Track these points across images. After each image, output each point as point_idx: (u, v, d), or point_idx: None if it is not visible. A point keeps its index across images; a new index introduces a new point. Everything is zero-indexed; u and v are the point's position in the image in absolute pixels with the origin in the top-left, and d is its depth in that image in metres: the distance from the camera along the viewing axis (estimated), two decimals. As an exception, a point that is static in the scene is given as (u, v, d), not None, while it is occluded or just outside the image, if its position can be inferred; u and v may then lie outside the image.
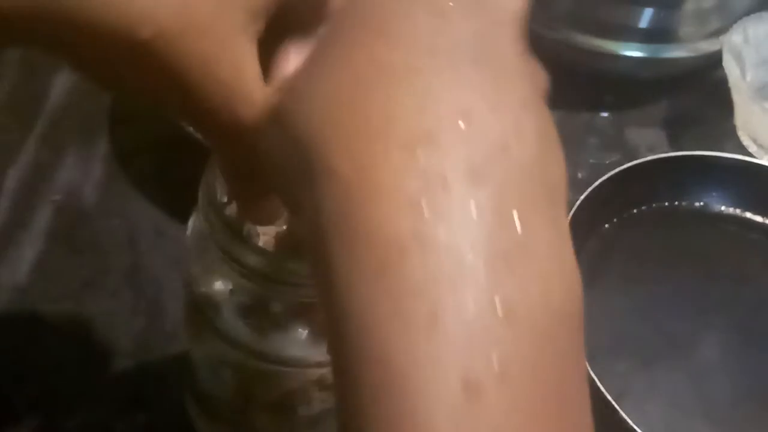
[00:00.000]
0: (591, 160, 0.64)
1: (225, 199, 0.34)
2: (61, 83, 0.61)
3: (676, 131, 0.68)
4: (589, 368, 0.45)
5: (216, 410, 0.40)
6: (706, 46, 0.67)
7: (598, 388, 0.45)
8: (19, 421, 0.44)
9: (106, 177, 0.56)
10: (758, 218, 0.60)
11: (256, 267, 0.31)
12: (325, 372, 0.36)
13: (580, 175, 0.62)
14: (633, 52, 0.66)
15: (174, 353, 0.48)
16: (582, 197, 0.54)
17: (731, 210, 0.60)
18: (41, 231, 0.52)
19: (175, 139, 0.50)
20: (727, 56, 0.63)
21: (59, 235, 0.53)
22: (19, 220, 0.53)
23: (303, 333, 0.35)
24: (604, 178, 0.56)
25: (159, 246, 0.53)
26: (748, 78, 0.66)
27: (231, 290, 0.35)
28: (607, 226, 0.58)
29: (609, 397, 0.45)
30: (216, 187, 0.33)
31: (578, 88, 0.69)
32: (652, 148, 0.66)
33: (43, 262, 0.51)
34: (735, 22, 0.66)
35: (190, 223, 0.37)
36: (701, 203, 0.60)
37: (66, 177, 0.56)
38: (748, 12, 0.66)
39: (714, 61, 0.66)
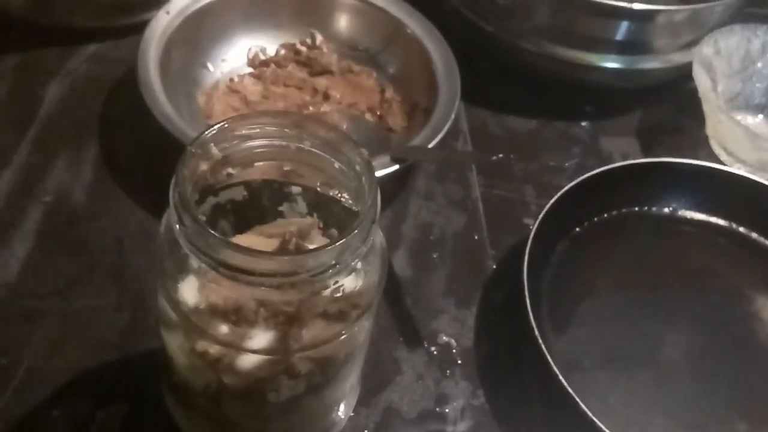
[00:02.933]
0: (566, 166, 0.66)
1: (196, 197, 0.36)
2: (55, 90, 0.64)
3: (650, 140, 0.70)
4: (552, 364, 0.47)
5: (190, 401, 0.42)
6: (679, 58, 0.69)
7: (561, 383, 0.47)
8: (5, 410, 0.46)
9: (95, 179, 0.58)
10: (725, 223, 0.62)
11: (228, 262, 0.33)
12: (294, 361, 0.38)
13: (554, 182, 0.64)
14: (609, 63, 0.68)
15: (155, 348, 0.50)
16: (553, 200, 0.56)
17: (699, 215, 0.62)
18: (31, 230, 0.55)
19: (162, 144, 0.52)
20: (697, 67, 0.66)
21: (49, 234, 0.55)
22: (11, 220, 0.55)
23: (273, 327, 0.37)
24: (576, 182, 0.58)
25: (144, 246, 0.55)
26: (720, 89, 0.68)
27: (201, 286, 0.37)
28: (578, 229, 0.60)
29: (571, 391, 0.46)
30: (186, 184, 0.35)
31: (556, 98, 0.71)
32: (626, 156, 0.68)
33: (32, 260, 0.53)
34: (706, 34, 0.68)
35: (163, 220, 0.39)
36: (670, 208, 0.62)
37: (57, 179, 0.58)
38: (720, 25, 0.69)
39: (687, 72, 0.68)
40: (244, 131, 0.38)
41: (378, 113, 0.66)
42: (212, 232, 0.33)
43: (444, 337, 0.54)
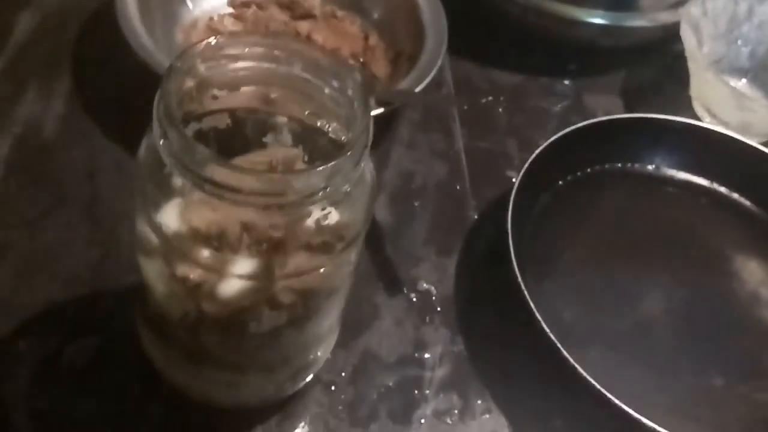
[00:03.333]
0: (549, 122, 0.66)
1: (180, 113, 0.34)
2: (25, 20, 0.61)
3: (633, 100, 0.70)
4: (536, 311, 0.47)
5: (166, 333, 0.41)
6: (666, 17, 0.68)
7: (544, 330, 0.47)
8: (-30, 342, 0.44)
9: (66, 112, 0.56)
10: (706, 182, 0.62)
11: (214, 179, 0.32)
12: (277, 291, 0.37)
13: (537, 136, 0.64)
14: (595, 18, 0.67)
15: (128, 283, 0.48)
16: (535, 153, 0.56)
17: (682, 174, 0.62)
18: (0, 161, 0.53)
19: (137, 78, 0.50)
20: (684, 26, 0.65)
21: (18, 166, 0.53)
22: (-22, 150, 0.53)
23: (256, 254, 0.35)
24: (559, 135, 0.57)
25: (118, 180, 0.53)
26: (705, 50, 0.68)
27: (183, 209, 0.36)
28: (560, 183, 0.59)
29: (553, 338, 0.46)
30: (172, 97, 0.33)
31: (540, 54, 0.71)
32: (609, 113, 0.67)
33: (1, 191, 0.51)
34: (695, -6, 0.67)
35: (143, 142, 0.38)
36: (653, 166, 0.62)
37: (27, 111, 0.56)
38: (708, -15, 0.68)
39: (673, 33, 0.67)
40: (232, 51, 0.36)
41: (361, 60, 0.64)
42: (199, 145, 0.32)
43: (424, 284, 0.53)
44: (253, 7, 0.66)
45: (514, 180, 0.60)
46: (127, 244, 0.50)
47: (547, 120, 0.66)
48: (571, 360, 0.45)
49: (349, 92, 0.36)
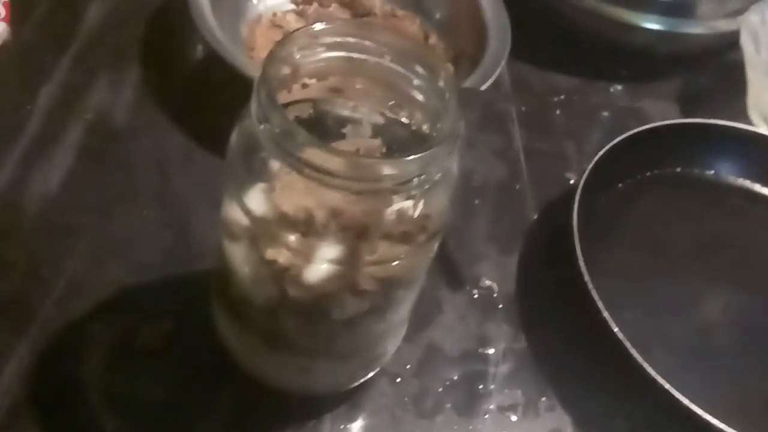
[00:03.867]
0: (607, 125, 0.66)
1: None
2: (95, 10, 0.62)
3: (689, 106, 0.70)
4: (603, 311, 0.47)
5: (246, 317, 0.41)
6: (724, 25, 0.69)
7: (611, 329, 0.47)
8: (45, 322, 0.45)
9: (136, 101, 0.57)
10: (765, 190, 0.61)
11: (314, 162, 0.32)
12: (360, 278, 0.37)
13: (595, 139, 0.64)
14: (652, 24, 0.68)
15: (199, 270, 0.49)
16: (597, 157, 0.56)
17: (740, 181, 0.62)
18: (72, 146, 0.53)
19: (203, 70, 0.51)
20: (744, 34, 0.65)
21: (90, 151, 0.54)
22: (51, 135, 0.54)
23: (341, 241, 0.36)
24: (620, 138, 0.57)
25: (187, 170, 0.54)
26: (764, 57, 0.68)
27: (272, 194, 0.36)
28: (620, 185, 0.59)
29: (622, 338, 0.46)
30: (273, 83, 0.34)
31: (597, 58, 0.71)
32: (665, 119, 0.67)
33: (73, 175, 0.52)
34: (754, 3, 0.67)
35: (235, 129, 0.38)
36: (712, 171, 0.62)
37: (98, 98, 0.57)
38: (767, -5, 0.68)
39: (730, 41, 0.68)
40: (327, 39, 0.37)
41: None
42: (301, 128, 0.32)
43: (486, 281, 0.53)
44: (315, 5, 0.67)
45: (572, 181, 0.61)
46: (196, 232, 0.51)
47: (603, 123, 0.67)
48: (640, 359, 0.45)
49: (441, 83, 0.37)
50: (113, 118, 0.56)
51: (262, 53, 0.62)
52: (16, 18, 0.59)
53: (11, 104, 0.55)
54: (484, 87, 0.57)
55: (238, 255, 0.39)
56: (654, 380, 0.45)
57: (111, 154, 0.54)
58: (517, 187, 0.60)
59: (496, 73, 0.58)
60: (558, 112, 0.66)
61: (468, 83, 0.58)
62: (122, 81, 0.58)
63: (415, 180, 0.34)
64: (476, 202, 0.58)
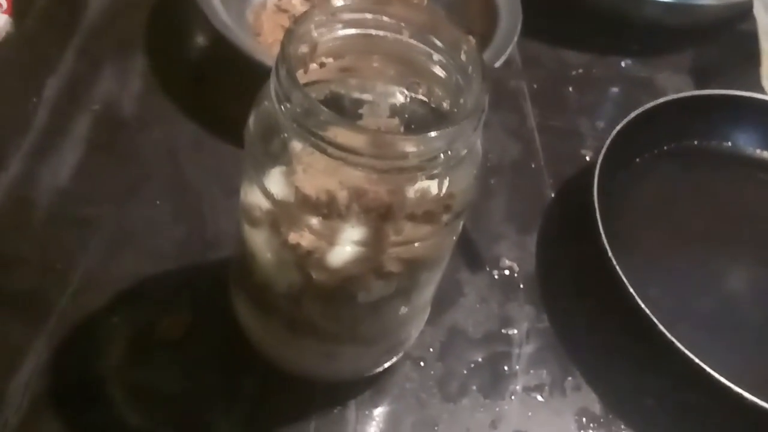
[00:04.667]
0: (620, 100, 0.65)
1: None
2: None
3: (702, 79, 0.69)
4: (629, 287, 0.46)
5: (269, 304, 0.41)
6: (734, -5, 0.68)
7: (638, 305, 0.46)
8: (62, 316, 0.44)
9: (144, 90, 0.56)
10: (784, 160, 0.61)
11: (337, 141, 0.31)
12: (384, 260, 0.37)
13: (608, 115, 0.63)
14: (663, -4, 0.67)
15: (215, 259, 0.48)
16: (614, 132, 0.55)
17: (759, 152, 0.61)
18: (81, 138, 0.52)
19: (210, 56, 0.50)
20: (757, 3, 0.64)
21: (99, 143, 0.53)
22: (59, 127, 0.53)
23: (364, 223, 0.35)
24: (637, 112, 0.56)
25: (198, 158, 0.53)
26: (776, 28, 0.67)
27: (294, 177, 0.35)
28: (638, 160, 0.58)
29: (649, 313, 0.45)
30: (292, 62, 0.33)
31: (607, 33, 0.70)
32: (679, 92, 0.66)
33: (83, 167, 0.51)
34: (765, -28, 0.66)
35: (252, 112, 0.37)
36: (729, 143, 0.61)
37: (104, 88, 0.56)
38: (779, -37, 0.67)
39: (741, 12, 0.67)
40: (344, 16, 0.36)
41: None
42: (323, 107, 0.32)
43: (506, 261, 0.53)
44: (320, -13, 0.66)
45: (588, 158, 0.60)
46: (210, 221, 0.50)
47: (616, 99, 0.66)
48: (669, 335, 0.45)
49: (463, 57, 0.36)
50: (121, 108, 0.55)
51: (268, 38, 0.61)
52: (17, 10, 0.58)
53: (17, 97, 0.54)
54: (496, 65, 0.56)
55: (259, 240, 0.38)
56: (683, 354, 0.44)
57: (121, 145, 0.53)
58: (533, 165, 0.59)
59: (508, 51, 0.57)
60: (570, 88, 0.65)
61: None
62: (128, 70, 0.57)
63: (441, 157, 0.33)
64: (492, 181, 0.57)
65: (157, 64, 0.58)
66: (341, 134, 0.32)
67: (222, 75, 0.56)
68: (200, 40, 0.55)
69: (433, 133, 0.32)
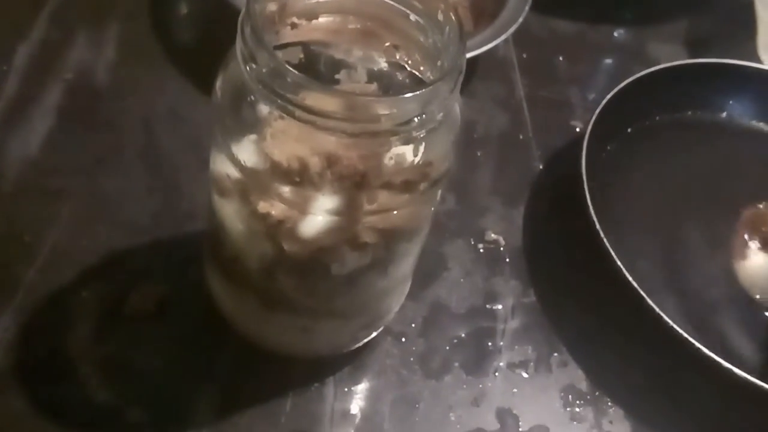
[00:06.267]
0: (612, 70, 0.63)
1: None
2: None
3: (696, 49, 0.67)
4: (617, 260, 0.45)
5: (241, 278, 0.39)
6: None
7: (626, 279, 0.45)
8: (30, 290, 0.43)
9: (117, 58, 0.54)
10: (779, 131, 0.59)
11: (306, 104, 0.30)
12: (359, 230, 0.35)
13: (599, 85, 0.61)
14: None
15: (189, 231, 0.47)
16: (604, 101, 0.53)
17: (753, 123, 0.59)
18: (52, 107, 0.51)
19: (188, 23, 0.48)
20: (754, -31, 0.62)
21: (71, 112, 0.51)
22: (30, 96, 0.51)
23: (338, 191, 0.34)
24: (627, 82, 0.55)
25: (174, 128, 0.51)
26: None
27: (264, 143, 0.34)
28: (629, 131, 0.57)
29: (637, 287, 0.44)
30: (258, 19, 0.31)
31: (598, 1, 0.68)
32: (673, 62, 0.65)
33: (54, 137, 0.49)
34: (762, -63, 0.65)
35: (218, 78, 0.36)
36: (724, 114, 0.59)
37: (77, 56, 0.54)
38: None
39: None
40: (315, -27, 0.34)
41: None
42: (290, 68, 0.30)
43: (492, 235, 0.51)
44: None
45: (578, 129, 0.58)
46: (186, 192, 0.49)
47: (608, 69, 0.64)
48: (657, 309, 0.43)
49: (440, 16, 0.34)
50: (94, 77, 0.53)
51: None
52: (-12, -25, 0.56)
53: (-14, 65, 0.52)
54: (496, 42, 0.54)
55: (229, 211, 0.37)
56: (672, 330, 0.43)
57: (94, 115, 0.51)
58: (521, 136, 0.57)
59: (511, 30, 0.55)
60: (561, 58, 0.63)
61: (481, 37, 0.55)
62: (102, 38, 0.55)
63: (416, 120, 0.31)
64: (479, 153, 0.56)
65: (133, 31, 0.56)
66: (310, 97, 0.30)
67: (199, 43, 0.54)
68: (178, 6, 0.53)
69: (407, 95, 0.30)
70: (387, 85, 0.39)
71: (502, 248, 0.51)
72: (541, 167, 0.56)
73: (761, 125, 0.59)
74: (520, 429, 0.43)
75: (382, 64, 0.38)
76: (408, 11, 0.35)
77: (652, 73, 0.55)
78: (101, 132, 0.50)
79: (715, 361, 0.42)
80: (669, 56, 0.65)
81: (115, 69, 0.54)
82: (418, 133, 0.32)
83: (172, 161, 0.50)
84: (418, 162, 0.34)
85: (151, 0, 0.58)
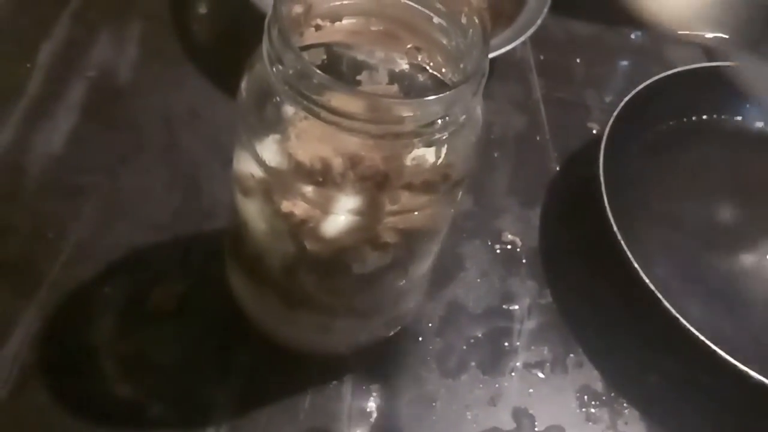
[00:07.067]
0: (629, 72, 0.63)
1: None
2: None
3: (713, 51, 0.67)
4: (634, 262, 0.45)
5: (262, 276, 0.39)
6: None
7: (643, 281, 0.45)
8: (53, 286, 0.43)
9: (140, 57, 0.55)
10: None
11: (331, 105, 0.30)
12: (380, 230, 0.35)
13: (616, 87, 0.62)
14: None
15: (210, 229, 0.47)
16: (622, 104, 0.54)
17: (770, 126, 0.59)
18: (76, 105, 0.51)
19: (207, 24, 0.48)
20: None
21: (94, 110, 0.51)
22: (53, 93, 0.52)
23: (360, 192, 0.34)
24: (645, 84, 0.55)
25: (194, 127, 0.52)
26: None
27: (287, 144, 0.34)
28: (646, 133, 0.57)
29: (653, 289, 0.44)
30: (285, 21, 0.31)
31: (615, 3, 0.68)
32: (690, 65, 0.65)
33: (77, 134, 0.50)
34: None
35: (244, 78, 0.36)
36: (740, 117, 0.59)
37: (100, 55, 0.54)
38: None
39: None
40: (340, -25, 0.35)
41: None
42: (317, 69, 0.30)
43: (508, 236, 0.51)
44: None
45: (594, 131, 0.58)
46: (206, 190, 0.49)
47: (625, 71, 0.64)
48: (673, 311, 0.43)
49: (463, 20, 0.34)
50: (117, 75, 0.54)
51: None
52: (12, -26, 0.57)
53: (10, 62, 0.53)
54: (515, 44, 0.54)
55: (252, 210, 0.37)
56: (688, 332, 0.43)
57: (116, 113, 0.52)
58: (538, 138, 0.58)
59: (529, 33, 0.55)
60: (578, 60, 0.64)
61: (499, 39, 0.56)
62: (124, 37, 0.56)
63: (439, 122, 0.32)
64: (496, 154, 0.56)
65: (155, 30, 0.57)
66: (335, 98, 0.31)
67: (221, 41, 0.55)
68: (199, 7, 0.54)
69: (430, 97, 0.31)
70: (408, 86, 0.39)
71: (518, 249, 0.51)
72: (557, 169, 0.56)
73: (778, 129, 0.59)
74: (536, 429, 0.43)
75: (404, 65, 0.39)
76: (431, 14, 0.36)
77: (669, 76, 0.55)
78: (123, 130, 0.51)
79: (731, 363, 0.42)
80: (686, 58, 0.65)
81: (137, 67, 0.54)
82: (440, 135, 0.33)
83: (192, 159, 0.50)
84: (440, 163, 0.35)
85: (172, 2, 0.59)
